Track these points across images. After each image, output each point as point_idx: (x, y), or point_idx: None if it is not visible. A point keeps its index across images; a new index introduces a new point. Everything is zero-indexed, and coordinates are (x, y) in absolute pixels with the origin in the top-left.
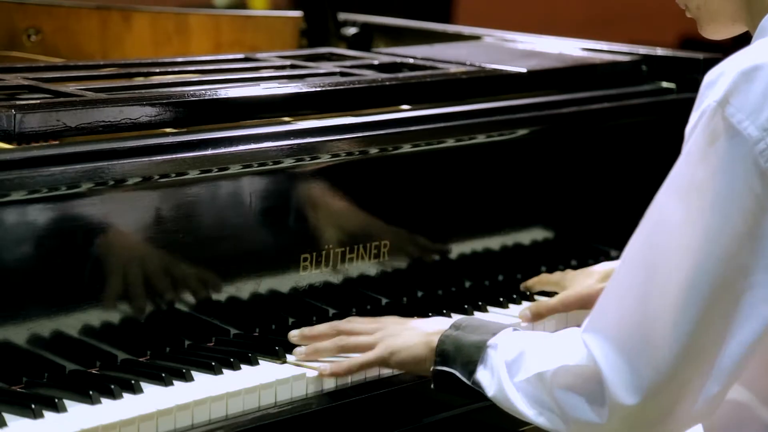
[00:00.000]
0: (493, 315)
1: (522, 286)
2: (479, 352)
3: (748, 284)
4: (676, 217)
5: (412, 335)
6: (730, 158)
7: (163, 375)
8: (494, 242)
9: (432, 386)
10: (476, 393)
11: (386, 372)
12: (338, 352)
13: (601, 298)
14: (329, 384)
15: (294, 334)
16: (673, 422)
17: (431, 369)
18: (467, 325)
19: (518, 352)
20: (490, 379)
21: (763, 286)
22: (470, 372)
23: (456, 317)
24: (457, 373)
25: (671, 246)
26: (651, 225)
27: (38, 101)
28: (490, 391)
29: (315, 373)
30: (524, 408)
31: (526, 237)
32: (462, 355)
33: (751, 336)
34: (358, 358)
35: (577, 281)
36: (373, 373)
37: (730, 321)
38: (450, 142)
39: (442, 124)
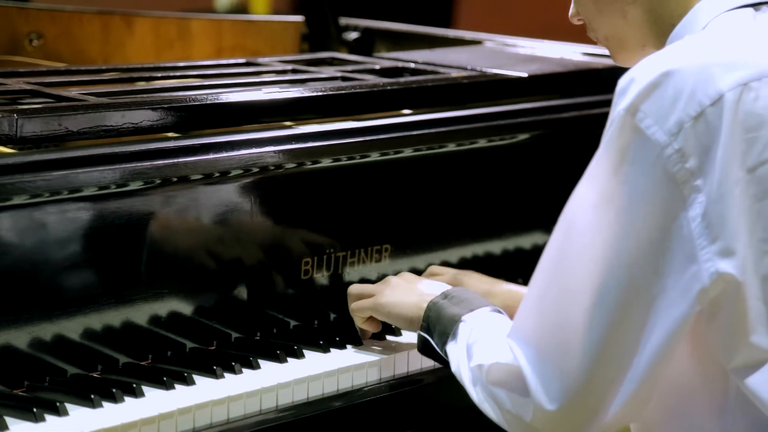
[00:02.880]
0: None
1: None
2: (452, 326)
3: (659, 288)
4: (586, 222)
5: (409, 294)
6: (639, 163)
7: (165, 379)
8: (495, 246)
9: (417, 349)
10: (448, 363)
11: (397, 374)
12: (349, 302)
13: (522, 303)
14: (331, 387)
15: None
16: (596, 424)
17: (417, 332)
18: (454, 296)
19: (475, 338)
20: (454, 354)
21: (674, 288)
22: (443, 343)
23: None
24: (433, 342)
25: (582, 250)
26: (563, 230)
27: (40, 106)
28: (453, 366)
29: (318, 377)
30: (472, 392)
31: (527, 241)
32: (440, 325)
33: (663, 338)
34: (354, 304)
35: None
36: (374, 377)
37: (643, 324)
38: (451, 147)
39: (443, 129)
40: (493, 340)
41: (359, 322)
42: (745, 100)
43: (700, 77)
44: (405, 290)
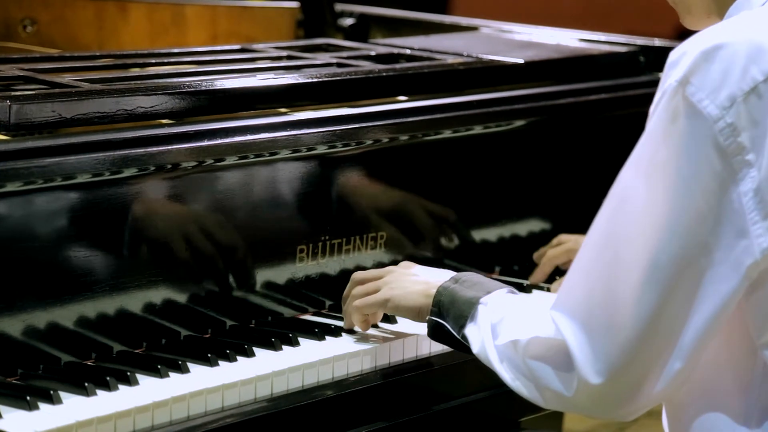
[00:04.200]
0: None
1: (530, 280)
2: (470, 308)
3: (709, 262)
4: (638, 196)
5: (414, 284)
6: (690, 137)
7: (159, 367)
8: (491, 233)
9: (427, 334)
10: (465, 347)
11: (392, 361)
12: (351, 301)
13: (568, 275)
14: (326, 375)
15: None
16: (639, 400)
17: (427, 318)
18: (466, 280)
19: (501, 316)
20: (476, 336)
21: (723, 263)
22: (460, 326)
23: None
24: (449, 326)
25: (633, 225)
26: (614, 204)
27: (34, 92)
28: (475, 347)
29: (313, 365)
30: (502, 371)
31: (523, 228)
32: (455, 309)
33: (711, 312)
34: (358, 302)
35: None
36: (369, 365)
37: (692, 298)
38: (447, 133)
39: (439, 115)
40: (528, 315)
41: (359, 321)
42: None
43: (753, 52)
44: (409, 281)
